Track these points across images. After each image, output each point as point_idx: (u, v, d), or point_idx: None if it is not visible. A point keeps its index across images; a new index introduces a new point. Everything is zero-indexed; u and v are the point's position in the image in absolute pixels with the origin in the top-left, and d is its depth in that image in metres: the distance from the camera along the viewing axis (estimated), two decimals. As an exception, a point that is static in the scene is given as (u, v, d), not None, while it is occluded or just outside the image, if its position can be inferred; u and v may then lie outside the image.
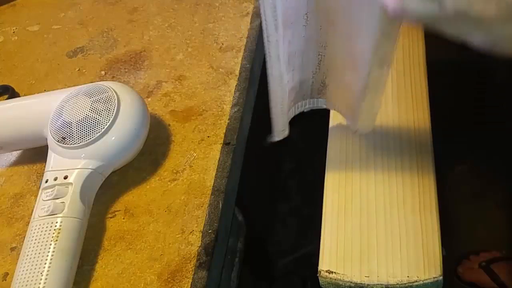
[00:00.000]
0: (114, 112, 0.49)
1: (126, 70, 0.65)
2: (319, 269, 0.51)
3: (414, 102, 0.61)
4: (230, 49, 0.65)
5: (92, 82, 0.53)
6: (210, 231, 0.48)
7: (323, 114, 0.65)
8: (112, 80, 0.64)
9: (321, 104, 0.56)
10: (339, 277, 0.50)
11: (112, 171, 0.51)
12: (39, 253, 0.43)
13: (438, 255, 0.50)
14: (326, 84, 0.53)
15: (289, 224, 1.05)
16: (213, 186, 0.51)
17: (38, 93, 0.60)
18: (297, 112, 0.56)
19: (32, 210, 0.47)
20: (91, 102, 0.49)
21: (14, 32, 0.76)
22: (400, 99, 0.62)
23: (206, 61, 0.64)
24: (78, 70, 0.67)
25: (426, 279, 0.48)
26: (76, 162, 0.48)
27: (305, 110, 0.57)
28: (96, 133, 0.48)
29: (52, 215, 0.45)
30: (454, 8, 0.31)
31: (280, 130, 0.54)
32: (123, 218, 0.51)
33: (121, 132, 0.49)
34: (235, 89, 0.60)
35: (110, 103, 0.49)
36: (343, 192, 0.56)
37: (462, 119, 1.14)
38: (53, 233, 0.44)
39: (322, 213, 0.55)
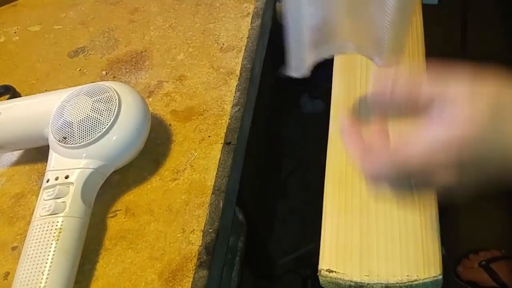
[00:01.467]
0: (115, 112, 0.49)
1: (127, 70, 0.65)
2: (319, 268, 0.51)
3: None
4: (230, 49, 0.65)
5: (93, 82, 0.53)
6: (210, 230, 0.48)
7: (323, 114, 0.65)
8: (113, 80, 0.64)
9: (345, 48, 0.55)
10: (339, 276, 0.50)
11: (113, 171, 0.51)
12: (40, 253, 0.44)
13: (437, 254, 0.50)
14: (351, 24, 0.52)
15: (290, 224, 1.05)
16: (213, 186, 0.51)
17: (39, 93, 0.60)
18: (320, 58, 0.55)
19: (33, 209, 0.48)
20: (92, 102, 0.49)
21: (15, 32, 0.76)
22: (400, 99, 0.62)
23: (207, 61, 0.64)
24: (79, 70, 0.67)
25: (426, 278, 0.48)
26: (77, 161, 0.48)
27: (329, 57, 0.56)
28: (97, 133, 0.48)
29: (53, 214, 0.45)
30: None
31: (296, 64, 0.52)
32: (124, 218, 0.51)
33: (122, 132, 0.49)
34: (236, 89, 0.60)
35: (111, 103, 0.49)
36: (343, 192, 0.56)
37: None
38: (54, 233, 0.44)
39: (322, 213, 0.55)
